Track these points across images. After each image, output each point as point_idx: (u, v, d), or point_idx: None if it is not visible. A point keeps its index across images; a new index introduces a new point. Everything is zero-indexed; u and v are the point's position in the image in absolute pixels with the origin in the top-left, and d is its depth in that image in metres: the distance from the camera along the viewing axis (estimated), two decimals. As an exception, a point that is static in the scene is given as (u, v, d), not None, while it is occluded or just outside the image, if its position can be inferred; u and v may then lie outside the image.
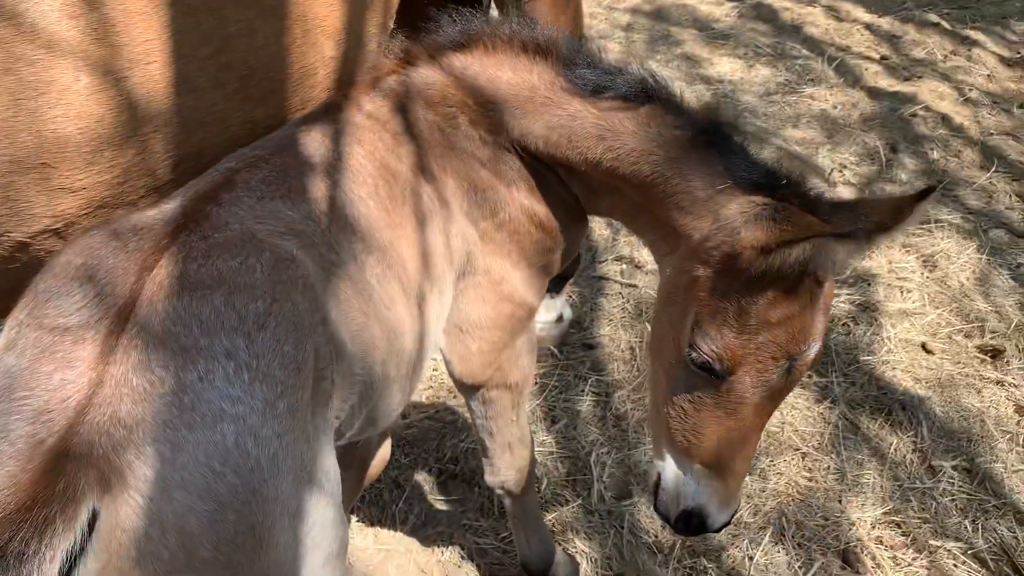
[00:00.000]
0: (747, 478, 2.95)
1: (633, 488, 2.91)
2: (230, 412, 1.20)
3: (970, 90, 5.49)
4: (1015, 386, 3.34)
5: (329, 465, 1.39)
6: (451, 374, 2.10)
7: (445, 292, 1.90)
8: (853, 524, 2.82)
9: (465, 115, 1.88)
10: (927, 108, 5.24)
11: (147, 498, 1.13)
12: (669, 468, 1.90)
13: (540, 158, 1.93)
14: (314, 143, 1.70)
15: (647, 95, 1.85)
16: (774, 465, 3.00)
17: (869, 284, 3.80)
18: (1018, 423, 3.20)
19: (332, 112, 1.81)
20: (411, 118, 1.86)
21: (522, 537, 2.51)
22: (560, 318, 3.45)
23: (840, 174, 4.64)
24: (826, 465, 3.01)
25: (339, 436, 1.63)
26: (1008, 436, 3.15)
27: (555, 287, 3.55)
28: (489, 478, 2.34)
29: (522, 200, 1.95)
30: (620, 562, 2.69)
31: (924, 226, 4.21)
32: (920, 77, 5.62)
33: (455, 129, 1.88)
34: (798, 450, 3.06)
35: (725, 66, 5.75)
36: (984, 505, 2.89)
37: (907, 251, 4.03)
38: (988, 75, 5.71)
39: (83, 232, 1.47)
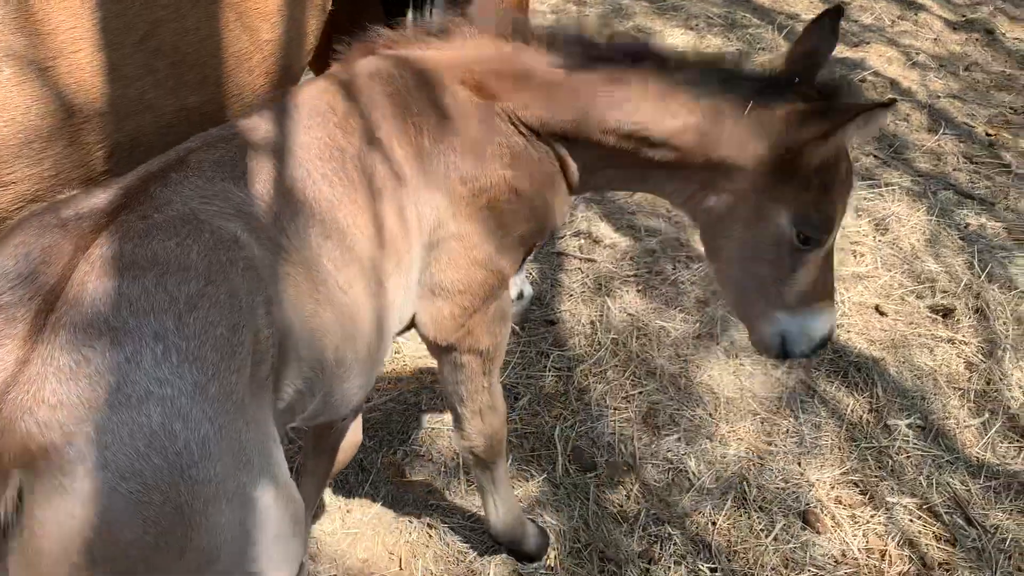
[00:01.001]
0: (708, 444, 3.00)
1: (597, 460, 2.94)
2: (157, 393, 1.19)
3: (917, 54, 5.57)
4: (965, 343, 3.43)
5: (270, 446, 1.39)
6: (422, 336, 2.13)
7: (413, 266, 1.91)
8: (812, 485, 2.88)
9: (455, 82, 1.94)
10: (876, 73, 5.31)
11: (70, 477, 1.13)
12: (790, 323, 2.14)
13: (539, 133, 2.00)
14: (275, 124, 1.70)
15: (641, 56, 1.99)
16: (734, 431, 3.05)
17: (823, 249, 3.86)
18: (969, 379, 3.28)
19: (296, 95, 1.81)
20: (373, 91, 1.87)
21: (491, 505, 2.54)
22: (520, 295, 3.47)
23: (793, 141, 4.69)
24: (785, 429, 3.07)
25: (290, 419, 1.64)
26: (960, 392, 3.23)
27: None
28: (458, 442, 2.39)
29: (504, 171, 1.98)
30: (587, 533, 2.73)
31: (875, 190, 4.28)
32: (868, 43, 5.68)
33: (437, 94, 1.91)
34: (757, 415, 3.11)
35: (678, 37, 5.77)
36: (938, 460, 2.97)
37: (860, 215, 4.09)
38: (935, 39, 5.79)
39: (30, 209, 1.46)
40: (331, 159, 1.71)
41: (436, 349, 2.17)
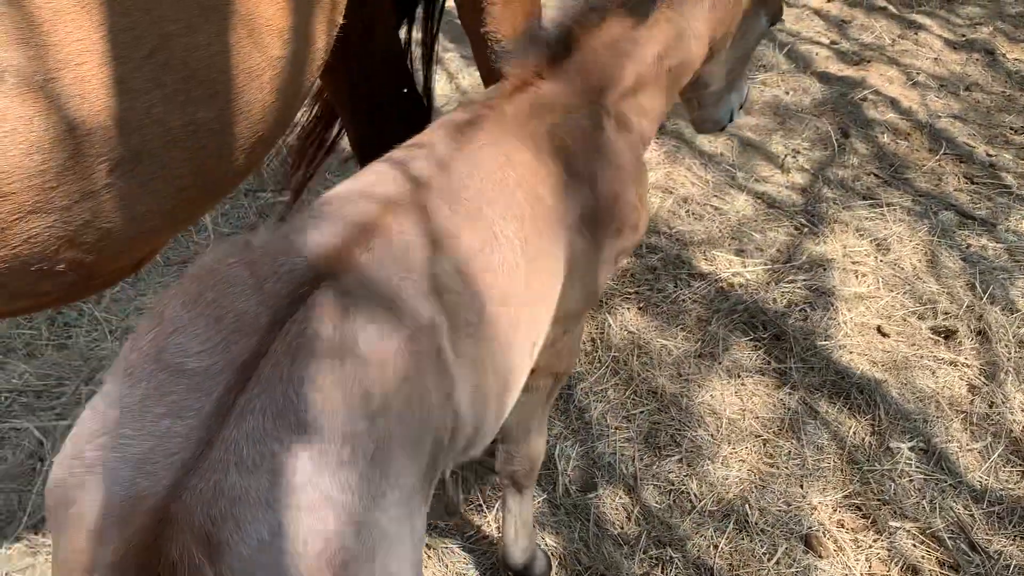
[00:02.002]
0: (710, 465, 2.98)
1: (597, 481, 2.91)
2: (337, 499, 1.11)
3: (918, 74, 5.57)
4: (967, 366, 3.41)
5: (420, 534, 1.32)
6: None
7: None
8: (815, 508, 2.85)
9: (604, 115, 1.97)
10: (876, 92, 5.31)
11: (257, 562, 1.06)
12: (735, 97, 2.58)
13: (630, 122, 2.05)
14: (469, 170, 1.64)
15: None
16: (736, 452, 3.03)
17: (824, 269, 3.85)
18: (971, 402, 3.26)
19: (480, 130, 1.76)
20: (554, 132, 1.84)
21: (512, 532, 2.52)
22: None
23: (793, 160, 4.68)
24: (787, 451, 3.04)
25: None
26: (962, 416, 3.21)
27: None
28: (503, 465, 2.36)
29: (631, 188, 2.00)
30: (588, 555, 2.69)
31: (876, 210, 4.27)
32: (869, 62, 5.68)
33: (599, 132, 1.92)
34: (759, 437, 3.09)
35: (678, 54, 5.77)
36: (941, 484, 2.95)
37: (861, 235, 4.08)
38: (935, 59, 5.80)
39: (219, 250, 1.35)
40: (521, 210, 1.66)
41: None
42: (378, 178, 1.60)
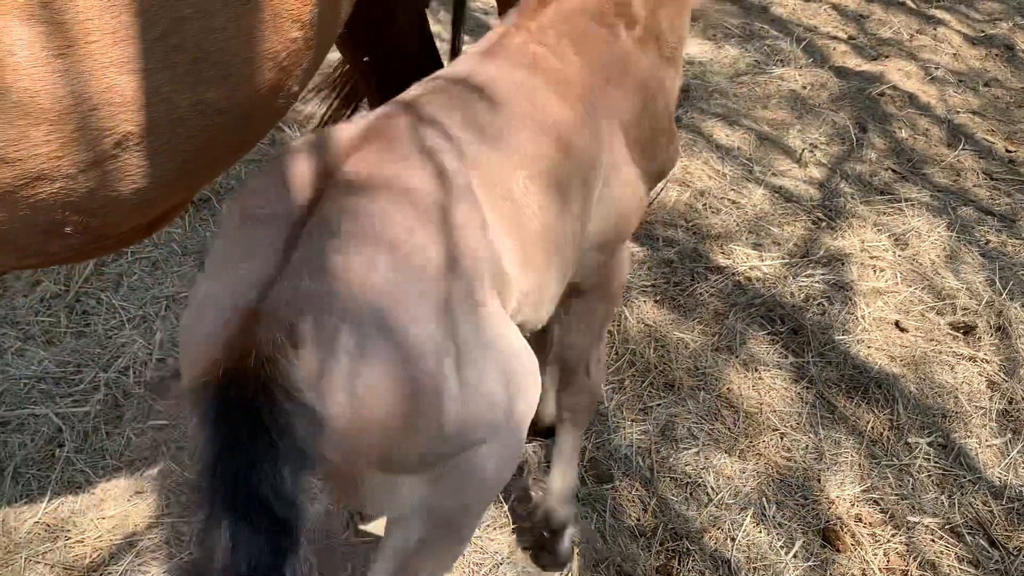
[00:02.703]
0: (727, 458, 2.97)
1: (614, 472, 2.91)
2: (390, 292, 1.37)
3: (936, 69, 5.53)
4: (987, 361, 3.39)
5: (512, 337, 1.56)
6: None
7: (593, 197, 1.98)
8: (832, 502, 2.84)
9: (630, 26, 2.06)
10: (894, 87, 5.28)
11: (322, 360, 1.29)
12: None
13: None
14: (496, 72, 1.85)
15: None
16: (753, 446, 3.02)
17: (843, 264, 3.83)
18: (990, 398, 3.25)
19: (507, 41, 1.94)
20: (580, 36, 1.97)
21: (558, 474, 2.59)
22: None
23: (811, 154, 4.66)
24: (804, 444, 3.03)
25: None
26: (981, 411, 3.19)
27: None
28: (565, 399, 2.46)
29: (659, 97, 2.09)
30: (604, 547, 2.69)
31: (895, 204, 4.25)
32: (887, 56, 5.65)
33: (626, 44, 2.04)
34: (776, 430, 3.08)
35: (695, 47, 5.74)
36: (960, 480, 2.93)
37: (879, 230, 4.06)
38: (954, 54, 5.76)
39: (292, 144, 1.68)
40: (550, 100, 1.84)
41: (570, 296, 2.13)
42: (416, 89, 1.84)
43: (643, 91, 2.04)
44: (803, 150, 4.66)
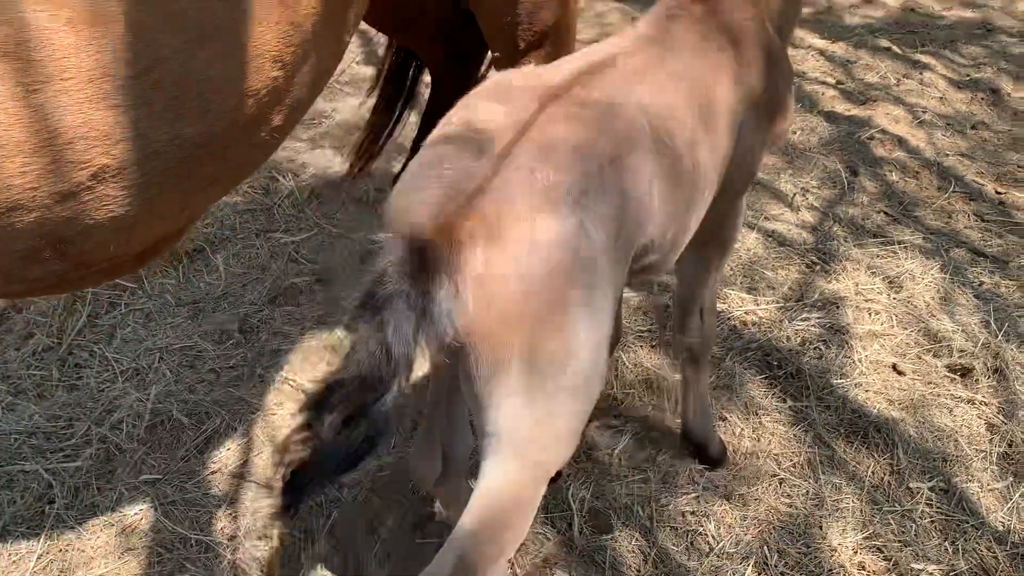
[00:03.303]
0: (727, 505, 2.93)
1: (613, 522, 2.87)
2: (580, 203, 1.64)
3: (924, 112, 5.60)
4: (985, 404, 3.37)
5: (618, 292, 1.84)
6: None
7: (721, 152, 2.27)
8: (835, 550, 2.80)
9: (763, 20, 2.40)
10: (883, 131, 5.33)
11: (509, 253, 1.56)
12: None
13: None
14: (674, 41, 2.17)
15: None
16: (752, 492, 2.98)
17: (838, 307, 3.83)
18: (990, 441, 3.22)
19: (679, 25, 2.23)
20: (731, 32, 2.29)
21: (690, 401, 3.00)
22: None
23: (803, 198, 4.69)
24: (804, 490, 3.00)
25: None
26: (982, 455, 3.17)
27: None
28: (680, 340, 2.87)
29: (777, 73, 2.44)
30: (604, 599, 2.64)
31: (888, 247, 4.26)
32: (875, 101, 5.72)
33: (763, 33, 2.37)
34: (775, 476, 3.05)
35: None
36: (963, 526, 2.90)
37: (872, 273, 4.06)
38: (940, 98, 5.83)
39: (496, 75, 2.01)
40: (714, 75, 2.18)
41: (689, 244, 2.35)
42: (605, 45, 2.16)
43: (768, 64, 2.36)
44: (795, 194, 4.69)
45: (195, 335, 3.66)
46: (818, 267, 4.11)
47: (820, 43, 6.56)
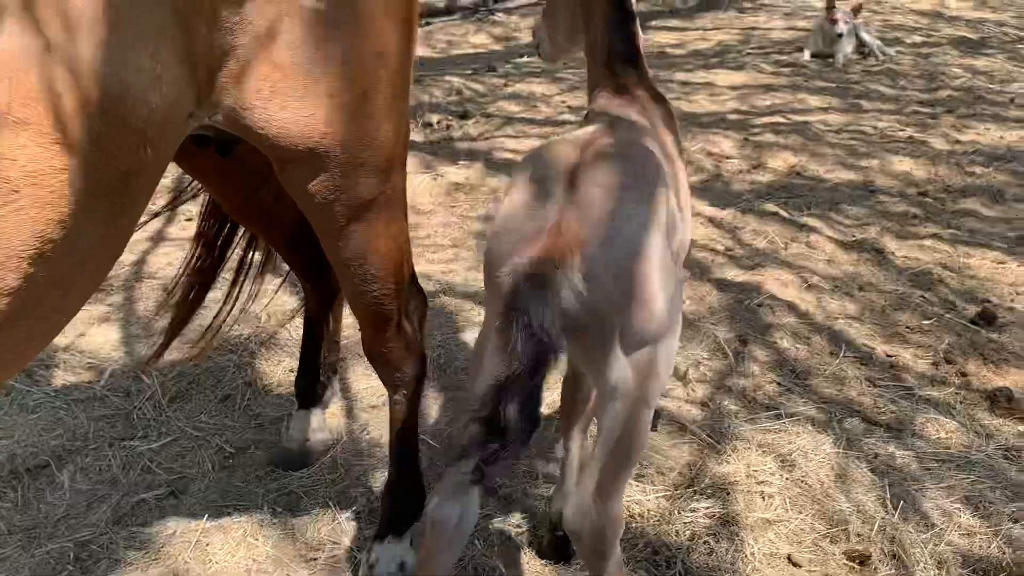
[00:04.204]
0: None
1: None
2: (634, 217, 2.13)
3: (812, 276, 5.63)
4: (886, 595, 3.14)
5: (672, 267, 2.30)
6: None
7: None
8: None
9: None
10: (773, 297, 5.32)
11: (590, 258, 2.02)
12: None
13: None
14: (625, 114, 2.75)
15: None
16: None
17: (728, 493, 3.62)
18: (894, 640, 2.97)
19: (636, 106, 2.84)
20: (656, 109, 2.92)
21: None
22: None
23: (695, 371, 4.57)
24: None
25: None
26: (885, 658, 2.90)
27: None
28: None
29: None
30: None
31: (780, 421, 4.12)
32: (764, 266, 5.75)
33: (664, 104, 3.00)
34: None
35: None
36: None
37: (764, 452, 3.89)
38: (828, 260, 5.90)
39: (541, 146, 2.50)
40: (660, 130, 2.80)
41: None
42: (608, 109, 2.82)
43: (671, 117, 2.97)
44: (687, 368, 4.57)
45: (24, 569, 3.26)
46: (708, 448, 3.93)
47: (709, 210, 6.68)
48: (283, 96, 2.31)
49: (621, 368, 2.12)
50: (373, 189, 2.66)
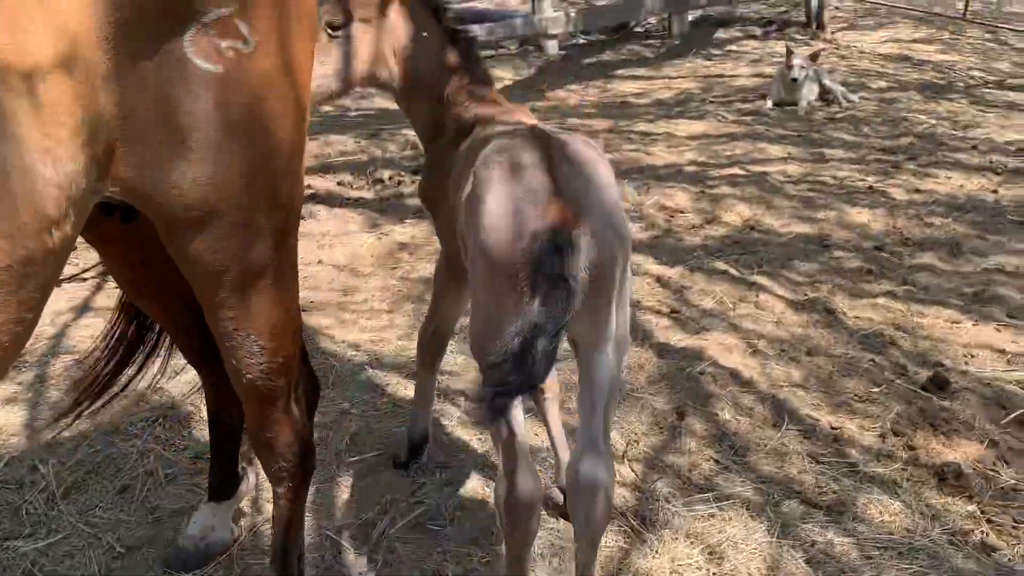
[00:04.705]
0: None
1: None
2: (609, 183, 2.68)
3: (758, 340, 5.42)
4: None
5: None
6: None
7: None
8: None
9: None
10: (716, 364, 5.10)
11: (593, 219, 2.48)
12: None
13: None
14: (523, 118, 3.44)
15: None
16: None
17: (650, 592, 3.36)
18: None
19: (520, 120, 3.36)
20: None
21: None
22: None
23: (634, 447, 4.33)
24: None
25: None
26: None
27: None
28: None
29: None
30: None
31: (714, 504, 3.88)
32: (709, 330, 5.54)
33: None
34: None
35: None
36: None
37: (692, 542, 3.64)
38: (776, 321, 5.69)
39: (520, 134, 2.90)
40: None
41: None
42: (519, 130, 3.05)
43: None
44: (628, 446, 4.33)
45: None
46: (635, 537, 3.68)
47: (657, 269, 6.47)
48: (180, 160, 2.20)
49: (621, 315, 2.67)
50: (269, 253, 2.51)
